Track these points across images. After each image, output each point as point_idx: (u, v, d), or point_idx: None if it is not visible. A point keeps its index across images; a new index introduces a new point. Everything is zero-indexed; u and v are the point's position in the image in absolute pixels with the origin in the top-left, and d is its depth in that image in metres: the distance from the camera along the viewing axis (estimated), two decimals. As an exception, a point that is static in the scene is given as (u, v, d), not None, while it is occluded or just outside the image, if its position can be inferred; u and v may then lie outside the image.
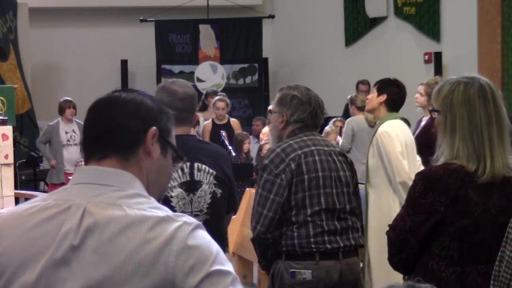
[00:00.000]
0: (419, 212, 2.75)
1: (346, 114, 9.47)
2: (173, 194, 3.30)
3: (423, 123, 6.66)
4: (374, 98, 5.11)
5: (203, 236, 1.63)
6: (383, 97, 5.04)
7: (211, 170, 3.37)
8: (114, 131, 1.69)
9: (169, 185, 3.23)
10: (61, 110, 9.27)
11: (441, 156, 2.79)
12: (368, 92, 10.21)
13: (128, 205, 1.62)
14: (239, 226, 6.77)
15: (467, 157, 2.72)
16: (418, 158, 5.24)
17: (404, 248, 2.81)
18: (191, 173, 3.34)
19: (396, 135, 4.97)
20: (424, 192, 2.73)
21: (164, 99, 3.33)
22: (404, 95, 5.18)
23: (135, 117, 1.70)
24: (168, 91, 3.37)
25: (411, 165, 4.97)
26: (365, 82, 10.57)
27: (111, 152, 1.69)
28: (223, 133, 9.10)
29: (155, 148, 1.72)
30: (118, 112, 1.70)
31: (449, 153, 2.76)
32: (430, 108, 2.94)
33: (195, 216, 3.28)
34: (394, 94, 5.05)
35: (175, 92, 3.37)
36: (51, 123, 9.41)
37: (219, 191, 3.39)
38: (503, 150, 2.75)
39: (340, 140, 8.42)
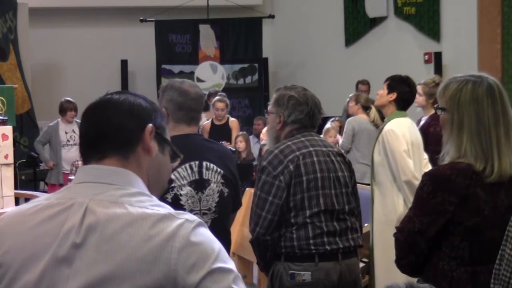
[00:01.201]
0: (427, 213, 2.73)
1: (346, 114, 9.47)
2: (182, 192, 3.32)
3: (422, 122, 6.67)
4: (384, 95, 5.11)
5: (205, 234, 1.63)
6: (393, 95, 5.05)
7: (219, 169, 3.40)
8: (112, 132, 1.71)
9: (179, 183, 3.29)
10: (62, 111, 9.25)
11: (446, 155, 2.78)
12: (368, 92, 10.26)
13: (130, 203, 1.64)
14: (239, 225, 6.77)
15: (475, 156, 2.71)
16: (425, 156, 5.25)
17: (413, 250, 2.79)
18: (200, 172, 3.36)
19: (402, 133, 4.98)
20: (433, 192, 2.71)
21: (177, 98, 3.37)
22: (414, 94, 5.20)
23: (131, 116, 1.72)
24: (180, 91, 3.40)
25: (416, 163, 4.98)
26: (364, 82, 10.58)
27: (111, 152, 1.70)
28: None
29: (153, 145, 1.74)
30: (114, 113, 1.72)
31: (455, 152, 2.75)
32: (436, 106, 2.92)
33: (204, 214, 3.32)
34: (404, 93, 5.06)
35: (187, 92, 3.41)
36: (51, 124, 9.40)
37: (226, 190, 3.42)
38: (510, 149, 2.74)
39: (340, 139, 8.42)
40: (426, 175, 2.79)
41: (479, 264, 2.74)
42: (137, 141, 1.72)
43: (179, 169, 3.31)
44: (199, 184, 3.35)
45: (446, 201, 2.70)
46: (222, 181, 3.41)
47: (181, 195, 3.32)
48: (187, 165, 3.33)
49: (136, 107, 1.75)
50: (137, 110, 1.74)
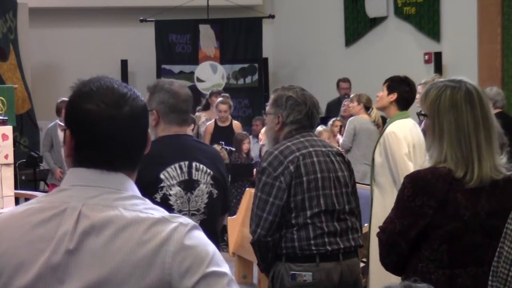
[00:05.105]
0: (407, 215, 2.76)
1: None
2: (171, 192, 3.29)
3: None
4: (384, 97, 5.11)
5: (200, 237, 1.63)
6: (394, 96, 5.04)
7: (208, 170, 3.38)
8: (135, 151, 1.69)
9: (168, 183, 3.27)
10: (58, 111, 9.25)
11: (429, 159, 2.81)
12: (349, 90, 10.46)
13: (124, 206, 1.62)
14: (239, 226, 6.78)
15: (456, 162, 2.73)
16: (427, 157, 5.24)
17: (394, 250, 2.82)
18: (189, 172, 3.34)
19: (404, 136, 4.97)
20: (413, 195, 2.74)
21: (168, 100, 3.35)
22: (414, 93, 5.20)
23: (145, 129, 1.72)
24: (171, 93, 3.38)
25: (418, 165, 4.97)
26: (345, 80, 10.84)
27: (123, 169, 1.68)
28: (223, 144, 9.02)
29: None
30: (138, 130, 1.68)
31: (437, 157, 2.78)
32: (418, 112, 2.95)
33: (192, 215, 3.29)
34: (404, 93, 5.06)
35: (177, 94, 3.39)
36: (49, 126, 9.40)
37: (215, 191, 3.40)
38: (491, 153, 2.75)
39: (340, 138, 8.43)
40: (407, 178, 2.81)
41: (458, 267, 2.76)
42: (143, 153, 1.73)
43: (169, 169, 3.29)
44: (188, 185, 3.32)
45: (426, 204, 2.72)
46: (212, 182, 3.38)
47: (170, 195, 3.29)
48: (176, 165, 3.31)
49: (147, 116, 1.73)
50: (147, 119, 1.73)
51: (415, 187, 2.74)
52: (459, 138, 2.73)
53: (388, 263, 2.88)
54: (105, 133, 1.64)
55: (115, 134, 1.65)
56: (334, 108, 10.65)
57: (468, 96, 2.76)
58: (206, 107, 10.08)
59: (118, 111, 1.64)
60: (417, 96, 6.50)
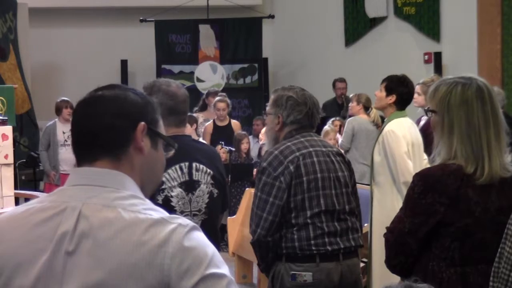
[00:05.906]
0: (418, 213, 2.74)
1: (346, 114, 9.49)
2: (173, 194, 3.29)
3: (422, 122, 6.67)
4: (383, 98, 5.11)
5: (199, 238, 1.62)
6: (392, 98, 5.05)
7: (208, 170, 3.37)
8: (102, 134, 1.67)
9: (169, 184, 3.26)
10: (58, 110, 9.23)
11: (437, 157, 2.79)
12: (345, 89, 10.48)
13: (123, 207, 1.61)
14: (239, 226, 6.78)
15: (466, 158, 2.72)
16: (425, 156, 5.24)
17: (403, 250, 2.79)
18: (190, 173, 3.34)
19: (403, 134, 4.98)
20: (424, 193, 2.72)
21: (167, 102, 3.32)
22: (412, 93, 5.21)
23: (121, 115, 1.68)
24: (169, 94, 3.35)
25: (417, 164, 4.98)
26: (342, 80, 10.84)
27: (102, 155, 1.67)
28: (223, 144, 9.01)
29: (145, 143, 1.70)
30: (104, 112, 1.68)
31: (446, 154, 2.76)
32: (426, 108, 2.94)
33: (194, 216, 3.29)
34: (403, 94, 5.07)
35: (175, 95, 3.36)
36: (48, 124, 9.38)
37: (215, 191, 3.40)
38: (500, 151, 2.75)
39: (340, 138, 8.43)
40: (417, 176, 2.80)
41: (469, 265, 2.75)
42: (129, 142, 1.68)
43: (169, 171, 3.28)
44: (189, 185, 3.32)
45: (437, 202, 2.71)
46: (212, 182, 3.38)
47: (171, 196, 3.29)
48: (177, 166, 3.30)
49: (126, 104, 1.70)
50: (127, 107, 1.70)
51: (425, 184, 2.72)
52: (469, 135, 2.72)
53: (396, 265, 2.85)
54: (76, 119, 1.72)
55: (84, 117, 1.70)
56: (330, 108, 10.67)
57: (479, 93, 2.75)
58: (203, 108, 10.06)
59: (89, 97, 1.73)
60: (415, 96, 6.53)
